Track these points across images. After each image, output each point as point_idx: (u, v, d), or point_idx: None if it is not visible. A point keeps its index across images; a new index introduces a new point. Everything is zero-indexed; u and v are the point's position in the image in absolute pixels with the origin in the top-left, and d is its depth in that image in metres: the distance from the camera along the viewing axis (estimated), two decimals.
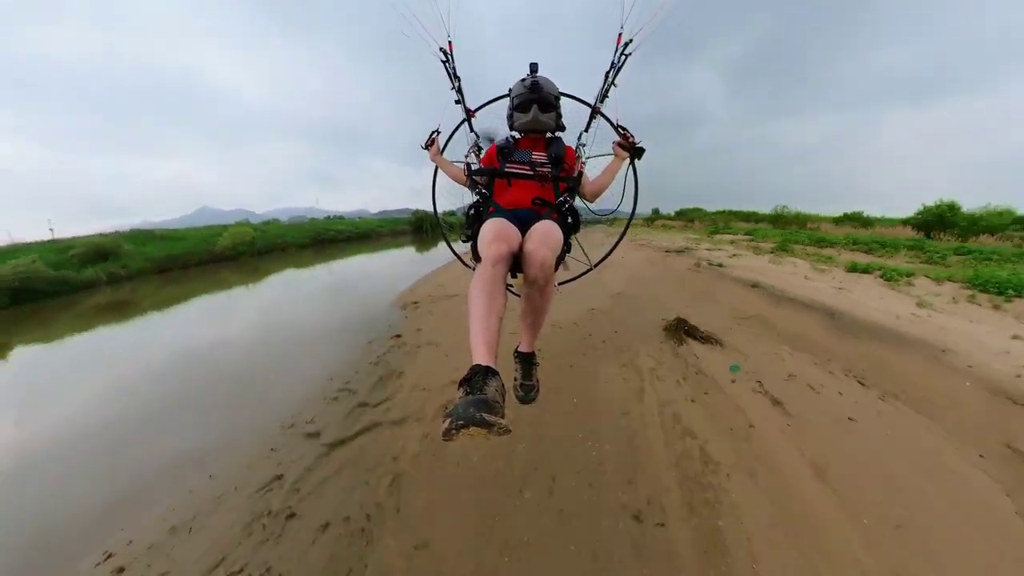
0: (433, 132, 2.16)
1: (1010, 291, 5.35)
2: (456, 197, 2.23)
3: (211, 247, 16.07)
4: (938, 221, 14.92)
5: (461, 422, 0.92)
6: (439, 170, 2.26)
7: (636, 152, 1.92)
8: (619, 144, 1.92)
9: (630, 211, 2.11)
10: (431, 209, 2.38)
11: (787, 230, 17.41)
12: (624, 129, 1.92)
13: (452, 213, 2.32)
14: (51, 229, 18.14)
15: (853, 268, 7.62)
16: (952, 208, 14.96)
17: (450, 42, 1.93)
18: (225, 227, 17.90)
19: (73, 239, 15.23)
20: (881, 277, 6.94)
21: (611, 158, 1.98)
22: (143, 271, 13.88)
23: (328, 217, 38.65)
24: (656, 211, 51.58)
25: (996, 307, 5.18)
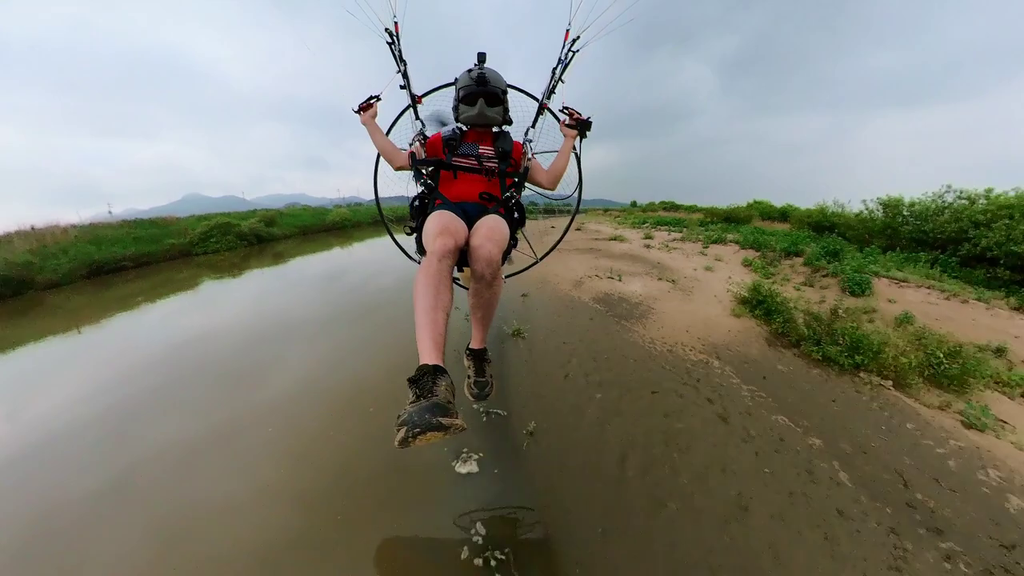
0: (372, 96, 2.03)
1: (639, 224, 16.92)
2: (402, 186, 2.10)
3: (322, 221, 26.78)
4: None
5: (417, 430, 0.94)
6: (380, 157, 2.13)
7: (583, 126, 1.89)
8: (566, 124, 1.92)
9: (583, 200, 2.11)
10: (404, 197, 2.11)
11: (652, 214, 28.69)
12: (569, 109, 1.93)
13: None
14: (110, 212, 21.59)
15: (621, 223, 19.64)
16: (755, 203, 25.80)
17: (396, 23, 1.83)
18: (327, 210, 28.80)
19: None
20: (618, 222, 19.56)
21: (557, 153, 1.98)
22: (293, 233, 24.41)
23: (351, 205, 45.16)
24: (634, 203, 58.30)
25: (633, 227, 16.38)
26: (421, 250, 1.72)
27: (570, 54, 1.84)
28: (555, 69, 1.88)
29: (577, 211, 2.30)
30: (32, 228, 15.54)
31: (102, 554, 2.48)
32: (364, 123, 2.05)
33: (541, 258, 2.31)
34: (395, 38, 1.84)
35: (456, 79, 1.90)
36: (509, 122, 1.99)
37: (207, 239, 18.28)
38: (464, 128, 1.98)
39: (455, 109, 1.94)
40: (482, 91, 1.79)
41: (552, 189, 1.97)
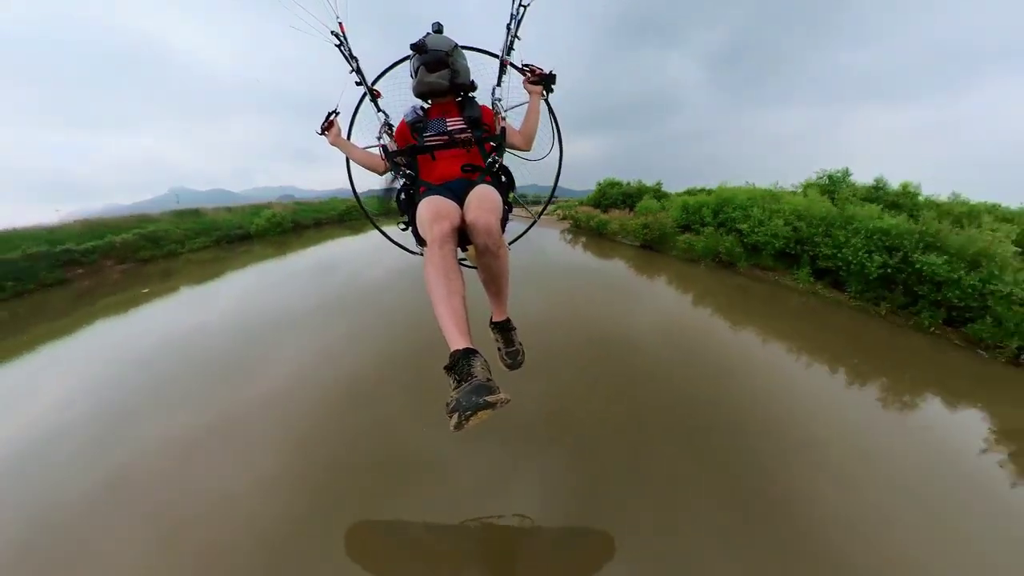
0: (331, 113, 1.95)
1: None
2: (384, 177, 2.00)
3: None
4: (602, 196, 24.65)
5: (469, 412, 0.98)
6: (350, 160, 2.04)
7: (547, 81, 1.85)
8: (529, 81, 1.87)
9: (564, 187, 1.92)
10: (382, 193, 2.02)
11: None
12: (530, 65, 1.87)
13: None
14: (177, 200, 22.93)
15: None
16: (614, 183, 28.91)
17: (340, 23, 1.81)
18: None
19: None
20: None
21: (527, 113, 1.92)
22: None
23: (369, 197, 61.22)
24: None
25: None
26: (420, 241, 1.64)
27: (520, 8, 1.80)
28: (508, 25, 1.84)
29: (560, 169, 2.22)
30: (269, 204, 33.22)
31: (113, 539, 2.59)
32: (333, 144, 1.98)
33: (538, 216, 2.36)
34: (342, 39, 1.81)
35: (408, 56, 1.86)
36: (470, 87, 1.91)
37: (350, 212, 36.04)
38: (426, 106, 1.91)
39: (412, 88, 1.89)
40: (423, 59, 1.73)
41: (528, 149, 1.94)
